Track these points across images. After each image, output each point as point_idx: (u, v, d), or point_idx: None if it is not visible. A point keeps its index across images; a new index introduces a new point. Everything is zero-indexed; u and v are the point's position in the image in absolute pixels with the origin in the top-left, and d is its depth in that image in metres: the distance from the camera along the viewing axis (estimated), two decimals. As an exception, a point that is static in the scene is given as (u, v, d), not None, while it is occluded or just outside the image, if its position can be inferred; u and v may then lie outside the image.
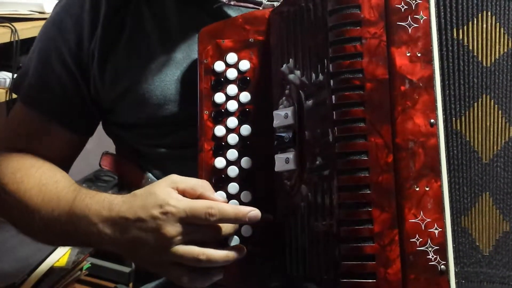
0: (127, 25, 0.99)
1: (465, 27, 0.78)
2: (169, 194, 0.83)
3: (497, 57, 0.79)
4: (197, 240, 0.82)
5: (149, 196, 0.84)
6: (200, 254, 0.81)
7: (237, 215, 0.82)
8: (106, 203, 0.87)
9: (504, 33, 0.79)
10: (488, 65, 0.79)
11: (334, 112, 0.76)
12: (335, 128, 0.76)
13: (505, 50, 0.79)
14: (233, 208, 0.83)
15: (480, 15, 0.79)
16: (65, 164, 1.05)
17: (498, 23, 0.79)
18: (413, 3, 0.76)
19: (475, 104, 0.78)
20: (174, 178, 0.85)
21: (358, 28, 0.76)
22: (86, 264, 1.49)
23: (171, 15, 0.98)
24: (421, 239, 0.73)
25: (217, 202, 0.83)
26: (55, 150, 1.03)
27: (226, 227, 0.83)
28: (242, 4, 0.95)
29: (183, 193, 0.84)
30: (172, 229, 0.81)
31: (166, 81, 0.97)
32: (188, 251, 0.81)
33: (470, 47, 0.78)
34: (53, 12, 1.05)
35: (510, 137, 0.80)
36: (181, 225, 0.81)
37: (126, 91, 0.98)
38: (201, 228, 0.82)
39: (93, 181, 1.93)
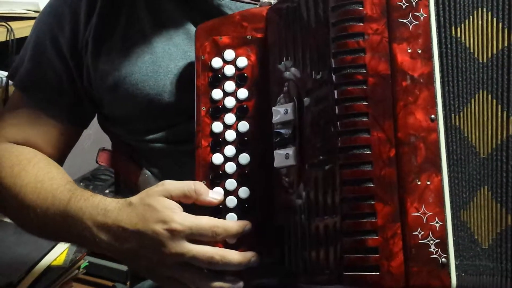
0: (122, 15, 0.99)
1: (462, 25, 0.80)
2: (171, 208, 0.84)
3: (494, 52, 0.80)
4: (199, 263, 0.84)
5: (147, 208, 0.84)
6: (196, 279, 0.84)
7: (238, 231, 0.85)
8: (100, 208, 0.87)
9: (504, 28, 0.80)
10: (485, 61, 0.80)
11: (336, 107, 0.76)
12: (338, 122, 0.76)
13: (506, 44, 0.80)
14: (236, 224, 0.85)
15: (475, 12, 0.80)
16: (59, 156, 1.05)
17: (495, 19, 0.80)
18: (414, 1, 0.77)
19: (472, 100, 0.80)
20: (167, 186, 0.86)
21: (360, 24, 0.76)
22: (83, 263, 1.48)
23: (166, 8, 0.98)
24: (423, 233, 0.74)
25: (221, 220, 0.85)
26: (49, 140, 1.03)
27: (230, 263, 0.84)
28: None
29: (178, 201, 0.85)
30: (176, 246, 0.82)
31: (160, 72, 0.97)
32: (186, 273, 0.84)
33: (467, 44, 0.80)
34: (50, 1, 1.05)
35: None
36: (186, 243, 0.83)
37: (119, 81, 0.98)
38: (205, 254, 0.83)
39: (90, 179, 1.92)
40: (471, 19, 0.80)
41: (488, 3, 0.80)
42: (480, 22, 0.80)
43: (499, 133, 0.80)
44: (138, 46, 0.98)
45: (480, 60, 0.80)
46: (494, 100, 0.80)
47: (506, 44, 0.80)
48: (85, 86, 1.01)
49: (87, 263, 1.51)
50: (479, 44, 0.80)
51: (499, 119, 0.80)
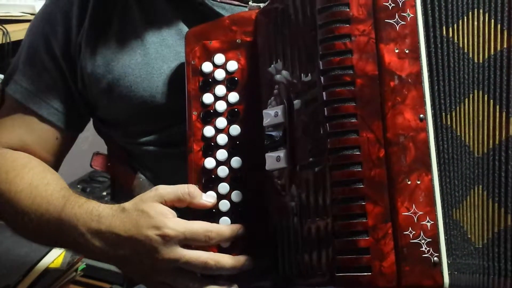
0: (114, 18, 0.99)
1: (455, 25, 0.79)
2: (164, 214, 0.84)
3: (492, 53, 0.80)
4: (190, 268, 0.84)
5: (141, 214, 0.84)
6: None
7: (231, 235, 0.85)
8: (94, 214, 0.88)
9: (503, 29, 0.80)
10: (481, 61, 0.80)
11: (325, 109, 0.77)
12: (327, 124, 0.76)
13: (505, 46, 0.80)
14: (229, 228, 0.85)
15: (470, 13, 0.80)
16: (54, 161, 1.05)
17: (493, 20, 0.80)
18: (400, 1, 0.78)
19: (466, 99, 0.79)
20: (160, 191, 0.86)
21: (347, 25, 0.76)
22: (81, 265, 1.48)
23: (159, 9, 0.99)
24: (414, 232, 0.74)
25: (214, 225, 0.85)
26: (44, 144, 1.04)
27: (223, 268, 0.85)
28: (227, 1, 0.96)
29: (172, 206, 0.85)
30: (170, 252, 0.82)
31: (153, 74, 0.97)
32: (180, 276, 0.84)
33: (461, 45, 0.79)
34: (43, 6, 1.06)
35: None
36: (180, 249, 0.83)
37: (113, 84, 0.98)
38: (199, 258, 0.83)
39: (87, 182, 1.93)
40: (465, 20, 0.80)
41: (484, 4, 0.80)
42: (475, 23, 0.80)
43: (497, 133, 0.79)
44: (131, 48, 0.98)
45: (476, 61, 0.80)
46: (491, 101, 0.79)
47: (505, 46, 0.80)
48: (79, 89, 1.02)
49: (85, 266, 1.50)
50: (475, 45, 0.80)
51: (497, 119, 0.79)
